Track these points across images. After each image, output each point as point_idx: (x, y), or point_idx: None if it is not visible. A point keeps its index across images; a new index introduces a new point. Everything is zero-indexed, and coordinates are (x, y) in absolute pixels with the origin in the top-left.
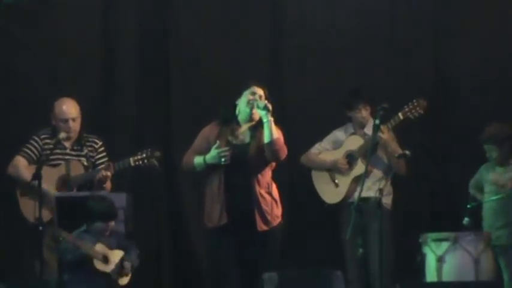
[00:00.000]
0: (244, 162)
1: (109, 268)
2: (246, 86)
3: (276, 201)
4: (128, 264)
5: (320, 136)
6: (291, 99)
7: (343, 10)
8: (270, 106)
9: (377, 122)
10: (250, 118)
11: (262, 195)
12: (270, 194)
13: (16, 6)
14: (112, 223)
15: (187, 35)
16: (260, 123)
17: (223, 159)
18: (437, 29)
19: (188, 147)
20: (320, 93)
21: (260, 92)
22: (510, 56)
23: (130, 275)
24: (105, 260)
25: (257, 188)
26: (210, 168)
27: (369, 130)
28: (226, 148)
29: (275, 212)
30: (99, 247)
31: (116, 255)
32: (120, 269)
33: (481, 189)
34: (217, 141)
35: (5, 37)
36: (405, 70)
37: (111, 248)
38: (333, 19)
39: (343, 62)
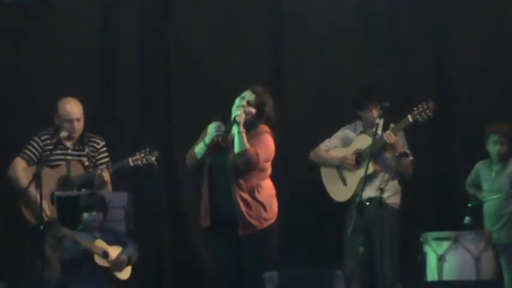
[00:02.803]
0: (225, 166)
1: (109, 262)
2: (244, 89)
3: (262, 205)
4: (123, 257)
5: (320, 136)
6: (291, 99)
7: (343, 10)
8: (239, 118)
9: (377, 121)
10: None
11: (243, 199)
12: (254, 197)
13: (16, 6)
14: (100, 215)
15: (187, 35)
16: (247, 128)
17: (216, 133)
18: (437, 29)
19: (188, 147)
20: (320, 93)
21: (250, 97)
22: (510, 56)
23: (129, 268)
24: (106, 255)
25: (238, 191)
26: (203, 165)
27: (378, 130)
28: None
29: (262, 215)
30: (99, 243)
31: (115, 250)
32: (116, 264)
33: (478, 187)
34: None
35: (5, 37)
36: (405, 70)
37: (109, 244)
38: (333, 19)
39: (343, 62)
